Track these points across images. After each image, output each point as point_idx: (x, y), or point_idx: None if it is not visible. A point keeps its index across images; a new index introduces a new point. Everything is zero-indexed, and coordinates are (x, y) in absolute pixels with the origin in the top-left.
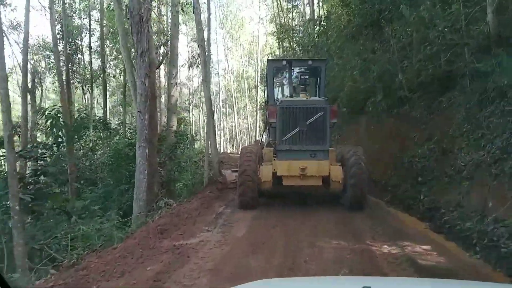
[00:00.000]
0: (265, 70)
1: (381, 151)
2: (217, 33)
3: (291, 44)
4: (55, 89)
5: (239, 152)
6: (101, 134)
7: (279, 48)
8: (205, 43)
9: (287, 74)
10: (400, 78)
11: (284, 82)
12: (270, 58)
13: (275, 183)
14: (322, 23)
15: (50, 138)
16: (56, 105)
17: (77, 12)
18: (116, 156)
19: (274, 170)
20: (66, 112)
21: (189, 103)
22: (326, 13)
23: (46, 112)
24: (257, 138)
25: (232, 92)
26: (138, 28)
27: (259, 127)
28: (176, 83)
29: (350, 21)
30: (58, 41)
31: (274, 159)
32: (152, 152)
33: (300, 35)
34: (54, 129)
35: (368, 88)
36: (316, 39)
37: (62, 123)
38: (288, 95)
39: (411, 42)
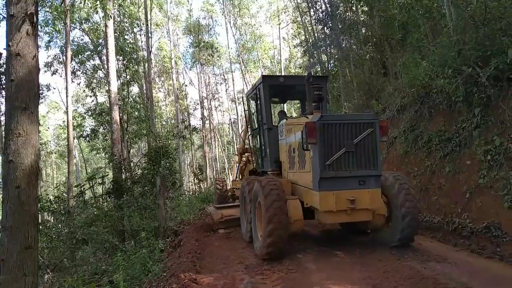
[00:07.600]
0: (258, 88)
1: None
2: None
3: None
4: None
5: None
6: None
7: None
8: None
9: (306, 90)
10: None
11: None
12: (264, 74)
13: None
14: None
15: None
16: None
17: None
18: None
19: (307, 205)
20: None
21: None
22: None
23: None
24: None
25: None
26: None
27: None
28: None
29: None
30: None
31: (311, 190)
32: None
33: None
34: None
35: None
36: None
37: None
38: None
39: None
